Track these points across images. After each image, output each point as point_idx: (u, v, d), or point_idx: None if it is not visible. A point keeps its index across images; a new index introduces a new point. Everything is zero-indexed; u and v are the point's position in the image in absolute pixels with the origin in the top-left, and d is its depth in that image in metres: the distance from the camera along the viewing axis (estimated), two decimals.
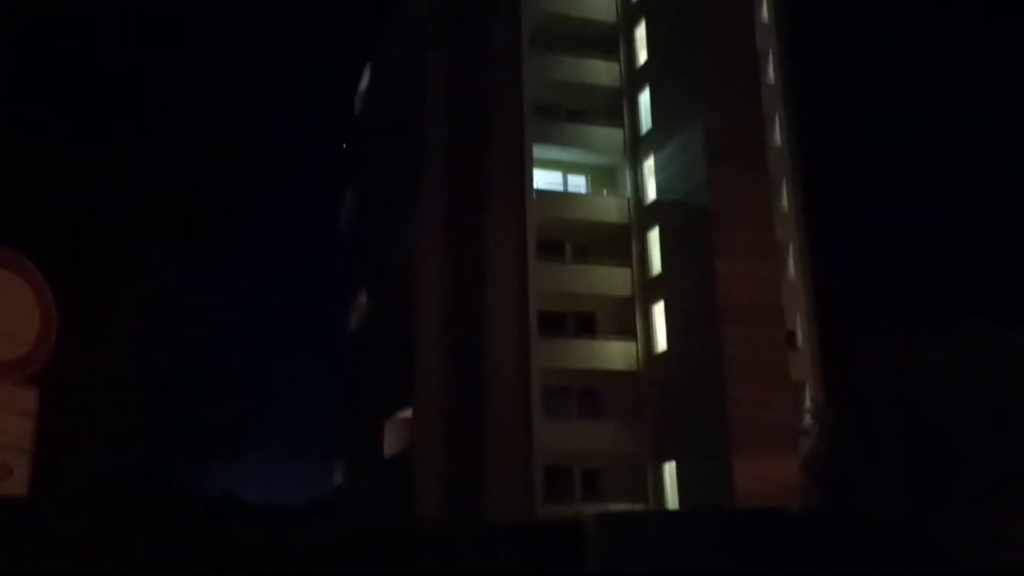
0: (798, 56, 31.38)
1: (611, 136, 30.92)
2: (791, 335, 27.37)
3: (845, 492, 10.10)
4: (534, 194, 28.99)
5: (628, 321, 29.11)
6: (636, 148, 30.49)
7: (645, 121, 30.22)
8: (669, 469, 26.88)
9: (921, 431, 9.12)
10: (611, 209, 30.35)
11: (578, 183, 31.80)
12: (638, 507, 25.64)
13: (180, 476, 15.90)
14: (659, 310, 28.30)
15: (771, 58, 30.78)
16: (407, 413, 30.53)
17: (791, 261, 28.80)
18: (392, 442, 32.09)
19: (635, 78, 30.95)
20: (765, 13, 31.37)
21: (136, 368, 10.34)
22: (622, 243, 29.90)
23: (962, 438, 8.95)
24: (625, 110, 31.09)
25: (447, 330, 29.83)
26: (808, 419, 20.98)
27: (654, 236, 29.02)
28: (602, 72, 31.49)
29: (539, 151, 29.67)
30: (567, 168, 31.39)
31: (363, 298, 39.02)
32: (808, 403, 26.59)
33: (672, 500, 26.54)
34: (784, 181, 29.43)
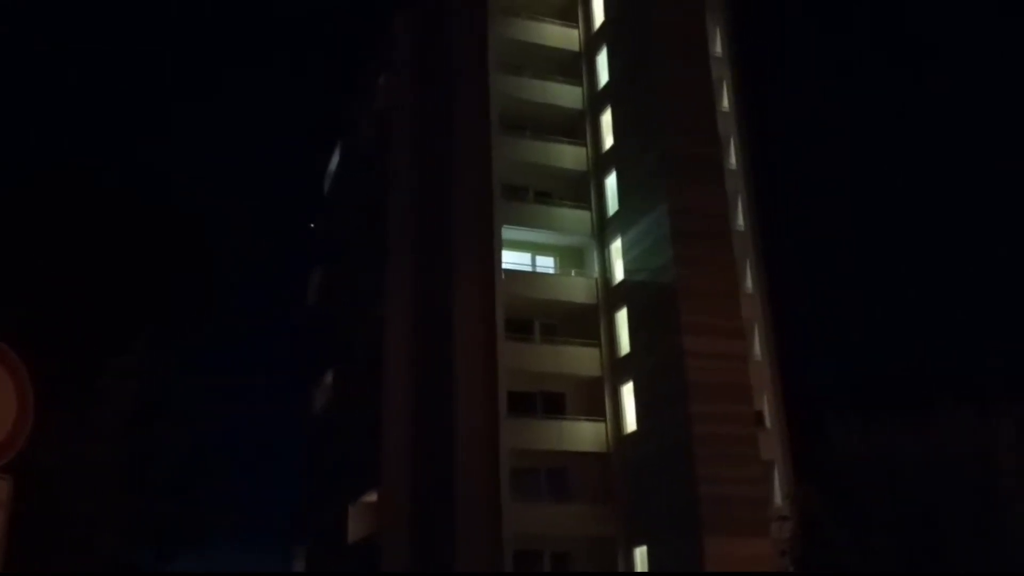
0: (758, 142, 32.48)
1: (579, 217, 31.43)
2: (759, 415, 27.48)
3: (827, 574, 10.01)
4: (503, 273, 29.19)
5: (597, 401, 29.02)
6: (603, 229, 30.97)
7: (612, 203, 30.80)
8: (640, 553, 26.44)
9: (908, 514, 9.12)
10: (579, 289, 30.62)
11: (546, 263, 32.13)
12: None
13: (143, 564, 15.36)
14: (628, 390, 28.30)
15: (732, 144, 31.79)
16: (372, 496, 29.87)
17: (757, 341, 29.15)
18: (356, 527, 31.28)
19: (602, 162, 31.68)
20: (726, 101, 32.53)
21: (108, 456, 10.09)
22: (590, 323, 30.06)
23: (950, 521, 8.96)
24: (592, 192, 31.70)
25: (415, 409, 29.50)
26: (780, 501, 20.92)
27: (622, 316, 29.24)
28: (569, 156, 32.23)
29: (507, 232, 30.02)
30: (535, 249, 31.75)
31: (329, 378, 38.56)
32: (777, 483, 26.57)
33: None
34: (748, 262, 30.03)
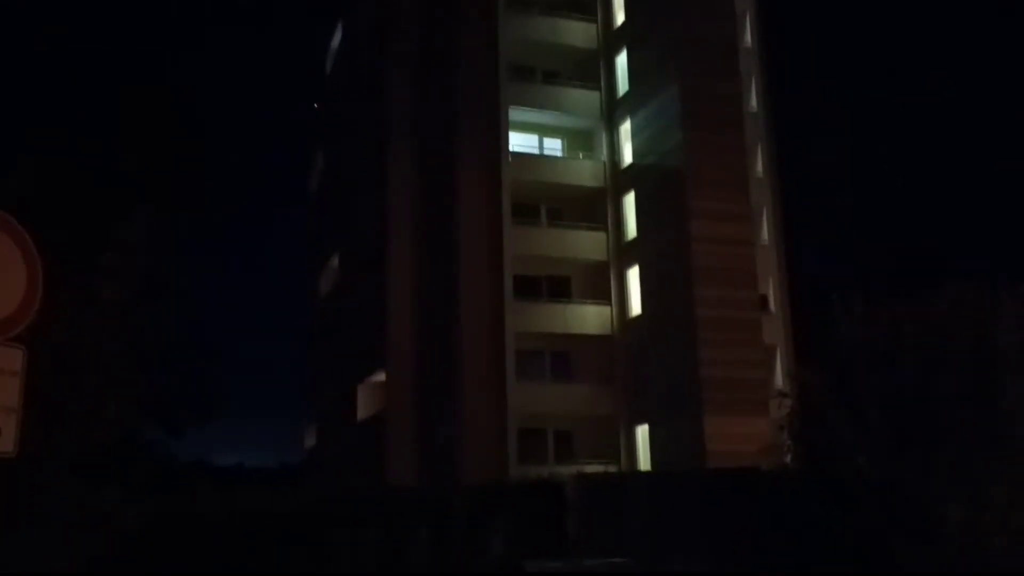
0: (774, 20, 31.30)
1: (587, 98, 30.69)
2: (764, 299, 27.62)
3: (824, 452, 10.25)
4: (509, 156, 28.77)
5: (603, 285, 29.17)
6: (613, 111, 30.31)
7: (622, 84, 30.03)
8: (642, 432, 27.16)
9: (903, 392, 9.25)
10: (587, 173, 30.24)
11: (554, 146, 31.61)
12: (611, 469, 25.92)
13: (152, 441, 15.81)
14: (634, 274, 28.38)
15: (748, 21, 30.65)
16: (380, 377, 30.47)
17: (765, 225, 28.98)
18: (365, 406, 32.05)
19: (612, 40, 30.67)
20: None
21: (116, 333, 10.20)
22: (598, 207, 29.84)
23: (945, 399, 9.08)
24: (602, 72, 30.84)
25: (420, 293, 29.70)
26: (783, 381, 21.26)
27: (630, 200, 28.99)
28: (579, 33, 31.16)
29: (514, 113, 29.37)
30: (543, 131, 31.17)
31: (335, 262, 38.67)
32: (779, 367, 26.97)
33: (644, 462, 26.86)
34: (759, 146, 29.48)
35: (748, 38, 30.54)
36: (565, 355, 29.06)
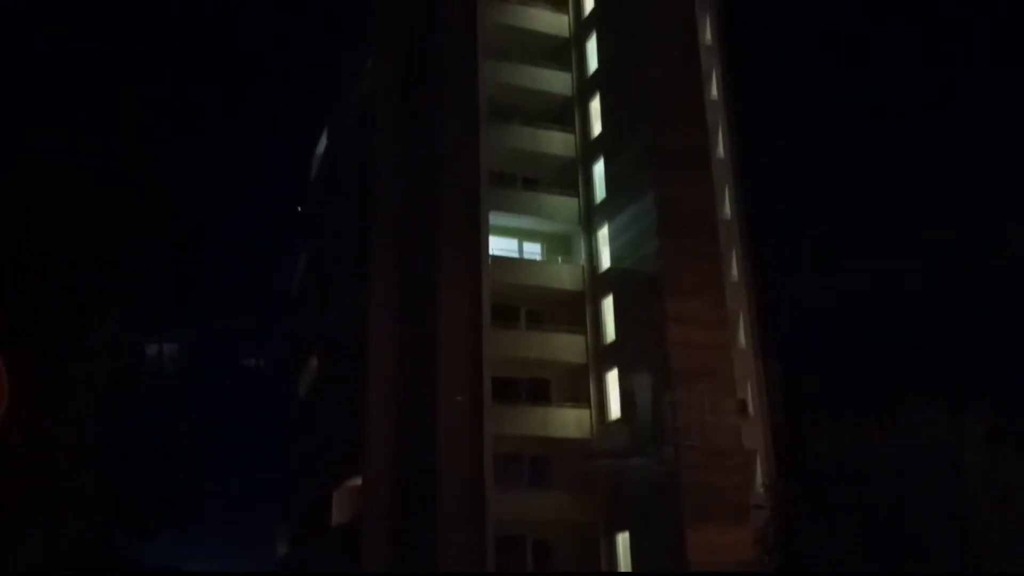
0: (747, 130, 32.47)
1: (566, 205, 31.38)
2: (742, 404, 27.62)
3: (799, 564, 10.11)
4: (489, 260, 29.15)
5: (582, 388, 29.10)
6: (591, 217, 30.95)
7: (599, 191, 30.77)
8: (622, 540, 26.59)
9: (875, 508, 9.23)
10: (565, 276, 30.62)
11: (533, 250, 32.10)
12: None
13: (122, 546, 15.31)
14: (613, 377, 28.37)
15: (721, 132, 31.76)
16: (356, 481, 29.89)
17: (742, 330, 29.25)
18: (340, 511, 31.33)
19: (589, 149, 31.62)
20: (715, 90, 32.46)
21: (85, 436, 10.04)
22: (576, 310, 30.08)
23: (916, 514, 9.07)
24: (580, 180, 31.65)
25: (399, 395, 29.50)
26: (761, 491, 21.07)
27: (608, 304, 29.27)
28: (558, 143, 32.13)
29: (495, 218, 29.95)
30: (522, 235, 31.70)
31: (313, 364, 38.49)
32: (759, 474, 26.74)
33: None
34: (734, 253, 30.08)
35: (721, 149, 31.58)
36: (544, 460, 28.70)
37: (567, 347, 29.55)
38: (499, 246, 30.56)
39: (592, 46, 32.43)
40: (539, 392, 29.46)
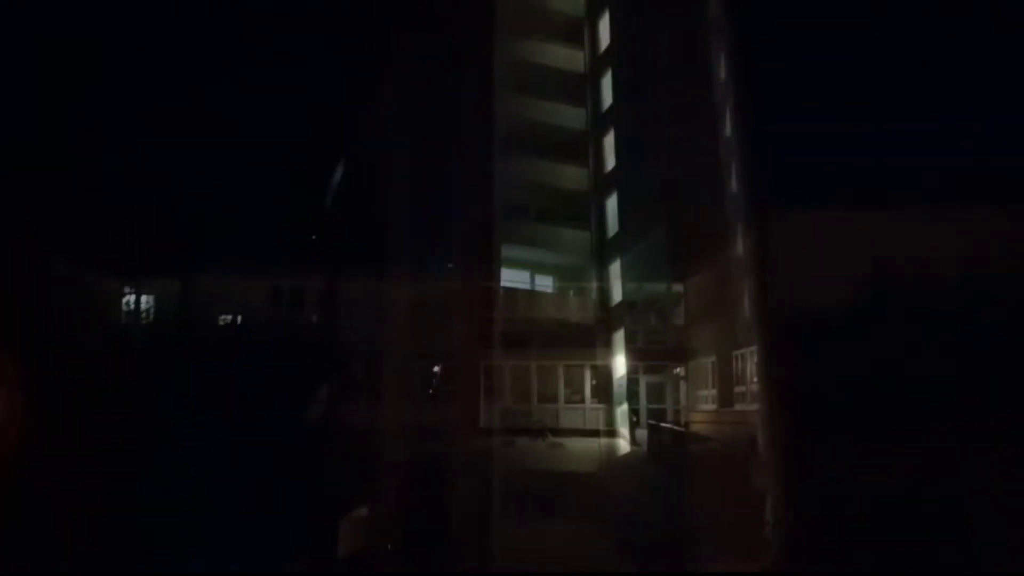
0: (761, 163, 32.41)
1: (578, 238, 31.50)
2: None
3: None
4: (501, 292, 29.13)
5: None
6: (603, 250, 31.03)
7: (612, 225, 30.91)
8: None
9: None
10: (575, 309, 30.60)
11: (545, 282, 32.19)
12: None
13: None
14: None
15: (733, 167, 31.75)
16: None
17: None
18: None
19: (602, 183, 31.76)
20: (729, 125, 32.50)
21: (93, 464, 10.05)
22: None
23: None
24: (592, 213, 31.78)
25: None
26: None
27: (620, 335, 29.23)
28: (571, 176, 32.27)
29: (507, 250, 30.00)
30: (535, 268, 31.82)
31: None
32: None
33: None
34: (746, 286, 29.91)
35: (734, 183, 31.54)
36: None
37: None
38: (511, 277, 30.61)
39: (607, 81, 32.70)
40: None
